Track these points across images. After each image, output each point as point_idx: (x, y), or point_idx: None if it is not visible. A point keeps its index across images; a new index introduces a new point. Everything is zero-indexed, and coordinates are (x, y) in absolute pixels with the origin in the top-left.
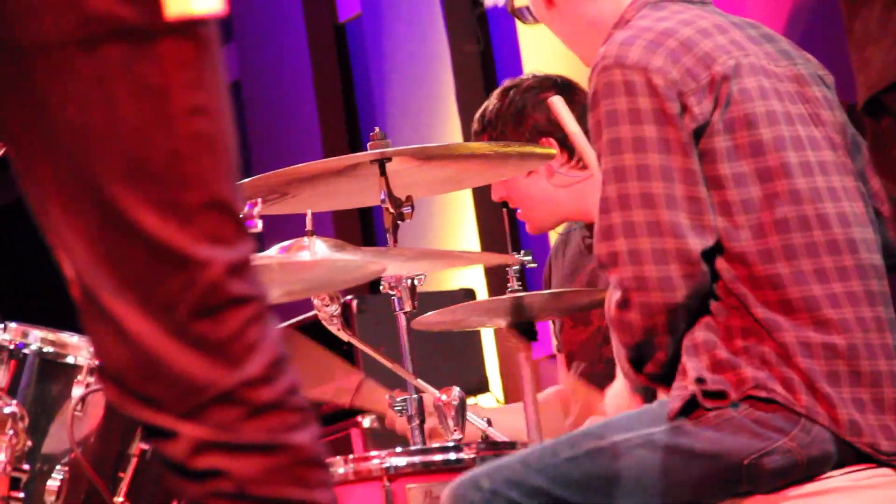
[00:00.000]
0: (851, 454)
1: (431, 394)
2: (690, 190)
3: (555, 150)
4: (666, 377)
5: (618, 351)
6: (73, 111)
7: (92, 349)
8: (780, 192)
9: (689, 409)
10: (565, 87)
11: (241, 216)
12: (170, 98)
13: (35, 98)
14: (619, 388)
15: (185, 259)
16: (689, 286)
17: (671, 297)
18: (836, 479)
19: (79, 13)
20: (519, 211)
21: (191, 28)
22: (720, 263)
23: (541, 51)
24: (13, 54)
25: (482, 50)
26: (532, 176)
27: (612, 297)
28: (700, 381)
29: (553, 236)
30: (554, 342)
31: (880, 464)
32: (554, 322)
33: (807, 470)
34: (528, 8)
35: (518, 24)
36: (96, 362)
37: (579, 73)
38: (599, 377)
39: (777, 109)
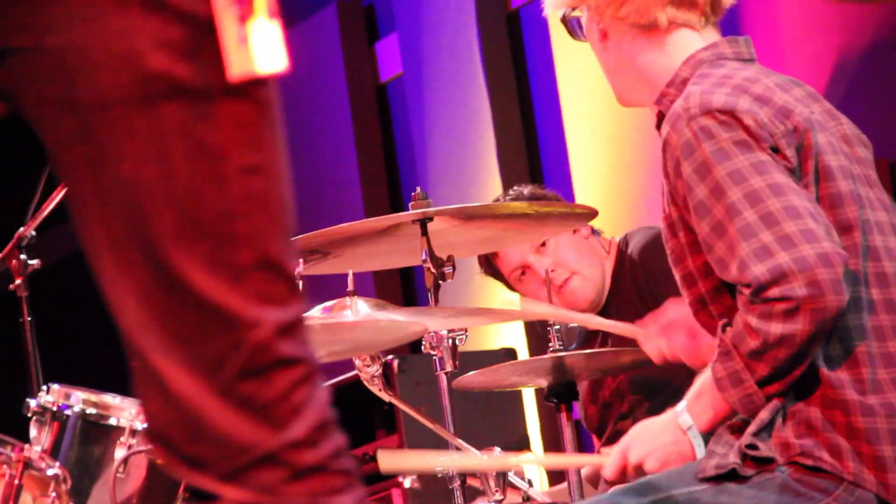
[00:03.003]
0: None
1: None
2: (815, 206)
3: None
4: (784, 393)
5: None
6: (128, 168)
7: (141, 408)
8: (858, 245)
9: (730, 476)
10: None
11: (294, 276)
12: (225, 158)
13: (92, 154)
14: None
15: (234, 318)
16: (849, 288)
17: (842, 301)
18: None
19: (137, 72)
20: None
21: (250, 89)
22: None
23: (582, 112)
24: (73, 110)
25: (522, 111)
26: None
27: (763, 313)
28: (750, 446)
29: None
30: (582, 416)
31: None
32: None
33: None
34: (579, 22)
35: (559, 84)
36: (142, 424)
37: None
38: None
39: (845, 165)
